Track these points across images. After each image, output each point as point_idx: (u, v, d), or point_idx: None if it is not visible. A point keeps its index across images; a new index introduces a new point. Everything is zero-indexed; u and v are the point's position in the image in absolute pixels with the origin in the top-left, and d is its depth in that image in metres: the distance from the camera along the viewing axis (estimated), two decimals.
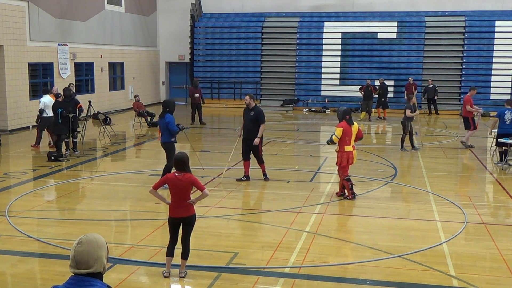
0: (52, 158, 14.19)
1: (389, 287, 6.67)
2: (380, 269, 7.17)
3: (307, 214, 9.72)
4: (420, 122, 16.49)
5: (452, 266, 7.25)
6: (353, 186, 10.63)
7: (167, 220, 6.99)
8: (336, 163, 10.63)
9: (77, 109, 15.28)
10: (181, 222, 6.81)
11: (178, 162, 6.73)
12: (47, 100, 15.73)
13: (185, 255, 6.84)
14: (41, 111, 15.72)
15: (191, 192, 6.85)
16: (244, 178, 12.08)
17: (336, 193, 10.86)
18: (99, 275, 3.05)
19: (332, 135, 10.44)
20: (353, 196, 10.57)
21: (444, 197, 10.81)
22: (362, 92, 24.16)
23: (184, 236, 6.82)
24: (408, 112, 15.66)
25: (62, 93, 15.36)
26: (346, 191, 10.61)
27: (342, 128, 10.22)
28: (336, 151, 10.56)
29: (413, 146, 16.15)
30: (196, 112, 22.22)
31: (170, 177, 6.78)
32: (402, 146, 16.11)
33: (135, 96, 21.95)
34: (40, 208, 10.08)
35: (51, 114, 15.60)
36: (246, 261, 7.41)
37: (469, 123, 16.60)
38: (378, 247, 7.92)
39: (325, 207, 10.15)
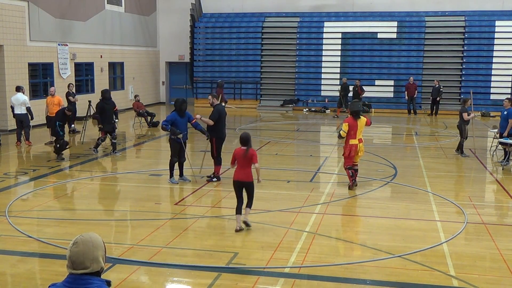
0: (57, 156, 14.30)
1: (389, 287, 6.67)
2: (380, 269, 7.17)
3: (307, 214, 9.71)
4: (472, 126, 15.24)
5: (452, 266, 7.25)
6: (354, 175, 11.42)
7: (232, 184, 8.78)
8: (342, 154, 11.60)
9: (114, 112, 15.29)
10: (243, 186, 8.62)
11: (243, 139, 8.68)
12: (13, 98, 16.68)
13: (249, 205, 8.69)
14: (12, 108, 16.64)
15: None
16: (215, 179, 11.98)
17: (349, 186, 11.44)
18: (96, 274, 3.04)
19: (340, 130, 11.43)
20: (353, 183, 11.36)
21: (444, 197, 10.81)
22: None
23: (248, 195, 8.66)
24: (465, 116, 14.95)
25: (103, 95, 15.23)
26: (350, 178, 11.41)
27: (347, 124, 11.19)
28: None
29: (462, 152, 15.37)
30: None
31: (237, 151, 8.71)
32: (462, 152, 15.25)
33: (135, 96, 21.96)
34: (40, 208, 10.07)
35: (20, 111, 16.44)
36: (246, 261, 7.41)
37: None
38: (378, 247, 7.92)
39: (325, 207, 10.15)
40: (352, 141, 11.18)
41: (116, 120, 15.56)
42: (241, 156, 8.59)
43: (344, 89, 25.26)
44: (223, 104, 22.30)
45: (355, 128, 11.13)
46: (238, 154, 8.64)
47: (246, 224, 8.60)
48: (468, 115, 14.99)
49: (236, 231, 8.46)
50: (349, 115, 11.50)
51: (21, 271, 7.20)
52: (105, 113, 14.99)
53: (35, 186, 11.86)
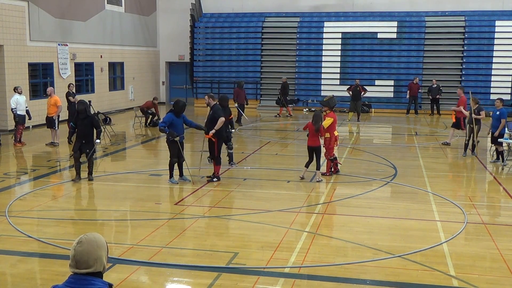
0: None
1: (389, 287, 6.67)
2: (380, 269, 7.17)
3: (307, 214, 9.72)
4: (475, 128, 14.84)
5: (452, 266, 7.25)
6: (334, 165, 12.62)
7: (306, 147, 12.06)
8: (323, 146, 12.50)
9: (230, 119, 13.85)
10: (313, 149, 11.86)
11: (315, 117, 11.81)
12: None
13: (318, 167, 11.92)
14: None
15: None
16: (215, 179, 11.98)
17: (322, 173, 12.38)
18: (99, 275, 3.04)
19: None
20: (330, 174, 12.53)
21: (444, 197, 10.81)
22: (350, 92, 24.21)
23: (316, 156, 11.88)
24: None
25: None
26: (328, 168, 12.60)
27: (332, 119, 12.36)
28: (325, 137, 12.44)
29: (464, 150, 15.42)
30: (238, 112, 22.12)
31: (309, 124, 11.89)
32: (472, 150, 15.25)
33: (154, 98, 21.39)
34: (40, 208, 10.07)
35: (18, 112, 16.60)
36: (246, 261, 7.41)
37: None
38: (378, 247, 7.92)
39: (325, 207, 10.15)
40: (336, 133, 12.58)
41: (233, 130, 14.21)
42: (312, 129, 11.78)
43: (283, 87, 25.28)
44: (244, 104, 22.33)
45: (336, 120, 12.59)
46: (310, 127, 11.85)
47: (317, 180, 11.88)
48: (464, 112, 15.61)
49: (301, 178, 11.96)
50: (328, 111, 12.64)
51: (21, 271, 7.20)
52: None
53: (35, 186, 11.86)
